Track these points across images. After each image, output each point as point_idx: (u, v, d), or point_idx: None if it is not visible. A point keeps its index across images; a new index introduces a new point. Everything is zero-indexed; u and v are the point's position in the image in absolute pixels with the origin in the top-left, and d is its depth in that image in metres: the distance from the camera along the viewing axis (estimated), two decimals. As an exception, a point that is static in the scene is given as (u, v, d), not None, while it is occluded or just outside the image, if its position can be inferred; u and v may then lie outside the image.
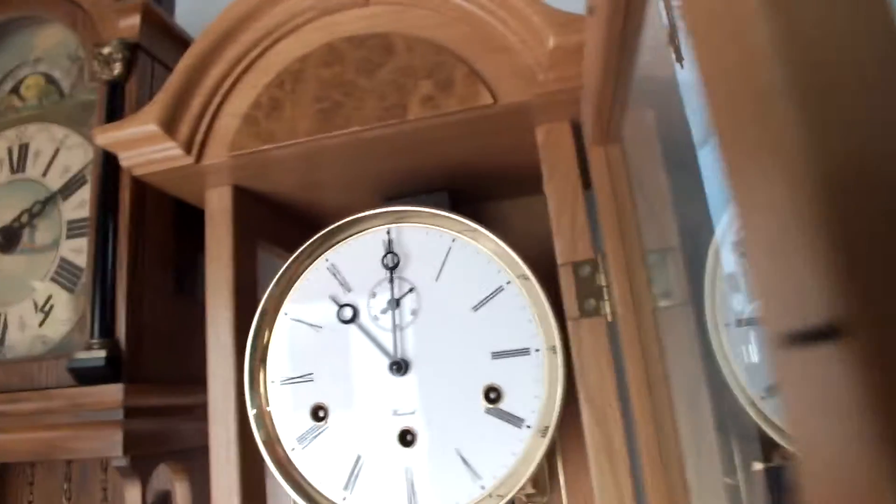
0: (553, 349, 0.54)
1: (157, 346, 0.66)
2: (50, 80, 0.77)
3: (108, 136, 0.59)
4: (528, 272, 0.55)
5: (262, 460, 0.58)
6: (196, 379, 0.69)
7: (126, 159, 0.60)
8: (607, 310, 0.53)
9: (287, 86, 0.58)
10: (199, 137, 0.59)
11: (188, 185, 0.63)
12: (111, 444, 0.60)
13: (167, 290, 0.69)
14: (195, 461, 0.72)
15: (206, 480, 0.74)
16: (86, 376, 0.60)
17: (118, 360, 0.61)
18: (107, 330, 0.62)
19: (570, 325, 0.54)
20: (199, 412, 0.68)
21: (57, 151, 0.74)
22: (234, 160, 0.59)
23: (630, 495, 0.50)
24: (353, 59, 0.57)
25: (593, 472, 0.51)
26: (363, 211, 0.75)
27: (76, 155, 0.73)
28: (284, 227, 0.74)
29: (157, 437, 0.65)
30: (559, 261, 0.55)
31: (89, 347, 0.61)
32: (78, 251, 0.70)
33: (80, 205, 0.71)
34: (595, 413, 0.52)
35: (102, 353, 0.60)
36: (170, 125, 0.58)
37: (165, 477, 0.72)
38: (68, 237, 0.71)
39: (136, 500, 0.63)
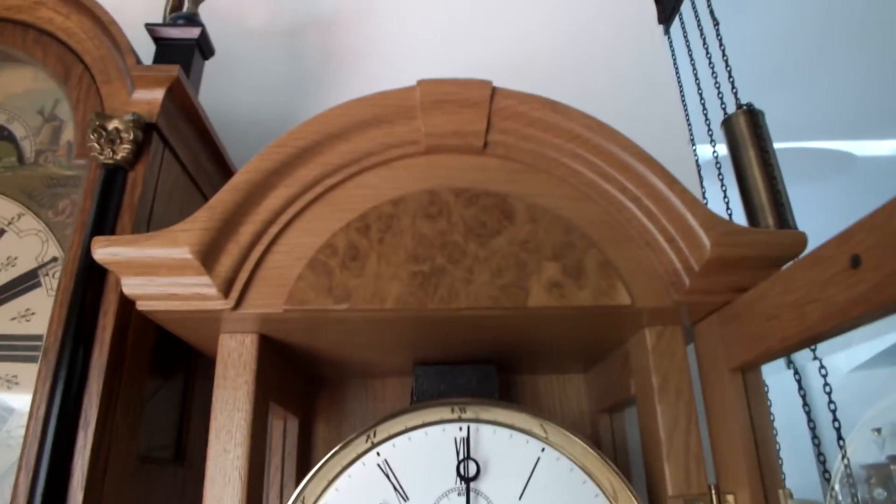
0: None
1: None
2: (6, 136, 0.58)
3: (114, 252, 0.44)
4: (636, 501, 0.46)
5: None
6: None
7: (133, 286, 0.45)
8: (723, 562, 0.45)
9: (374, 233, 0.46)
10: (242, 276, 0.45)
11: (204, 328, 0.48)
12: None
13: (134, 457, 0.51)
14: None
15: None
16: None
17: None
18: (51, 517, 0.43)
19: (682, 578, 0.45)
20: None
21: (1, 234, 0.55)
22: (287, 314, 0.45)
23: None
24: (463, 217, 0.47)
25: None
26: (391, 369, 0.63)
27: (29, 245, 0.54)
28: (293, 382, 0.60)
29: None
30: (669, 491, 0.47)
31: (20, 546, 0.42)
32: (6, 381, 0.51)
33: (21, 316, 0.52)
34: None
35: (42, 561, 0.41)
36: (208, 255, 0.44)
37: None
38: (-6, 358, 0.51)
39: None
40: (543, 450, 0.48)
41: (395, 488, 0.47)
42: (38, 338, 0.51)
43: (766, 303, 0.42)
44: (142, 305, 0.45)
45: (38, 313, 0.52)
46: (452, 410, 0.49)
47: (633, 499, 0.46)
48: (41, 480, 0.44)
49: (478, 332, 0.51)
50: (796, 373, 0.73)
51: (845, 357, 2.27)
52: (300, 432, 0.62)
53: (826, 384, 0.71)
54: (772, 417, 0.49)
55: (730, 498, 0.46)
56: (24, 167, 0.57)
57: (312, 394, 0.66)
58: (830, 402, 0.71)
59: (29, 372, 0.50)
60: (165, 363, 0.60)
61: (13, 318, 0.52)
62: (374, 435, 0.48)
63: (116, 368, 0.49)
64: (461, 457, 0.47)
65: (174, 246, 0.44)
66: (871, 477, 1.93)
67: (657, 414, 0.48)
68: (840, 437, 0.72)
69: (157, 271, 0.44)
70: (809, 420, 0.71)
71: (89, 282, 0.49)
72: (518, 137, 0.48)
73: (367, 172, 0.48)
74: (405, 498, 0.47)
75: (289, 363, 0.57)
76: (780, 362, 0.59)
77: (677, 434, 0.48)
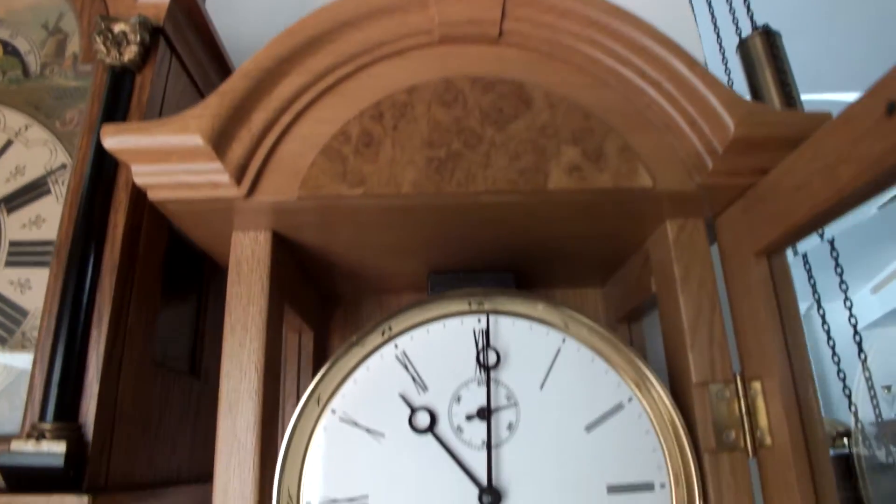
0: (683, 485, 0.44)
1: (130, 437, 0.48)
2: (10, 50, 0.57)
3: (125, 140, 0.43)
4: (660, 388, 0.46)
5: None
6: (163, 482, 0.51)
7: (143, 175, 0.44)
8: (748, 444, 0.45)
9: (388, 120, 0.45)
10: (255, 164, 0.44)
11: (216, 223, 0.47)
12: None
13: (148, 360, 0.51)
14: None
15: None
16: (28, 480, 0.41)
17: (82, 459, 0.42)
18: (68, 411, 0.43)
19: (706, 458, 0.45)
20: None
21: (8, 144, 0.54)
22: (300, 202, 0.44)
23: None
24: (479, 104, 0.46)
25: None
26: (406, 283, 0.63)
27: (37, 155, 0.54)
28: (308, 292, 0.59)
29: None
30: (693, 379, 0.46)
31: (38, 435, 0.42)
32: (19, 286, 0.50)
33: (32, 223, 0.52)
34: (738, 577, 0.42)
35: (61, 448, 0.41)
36: (220, 141, 0.43)
37: None
38: (7, 265, 0.51)
39: None
40: (564, 341, 0.47)
41: (415, 379, 0.46)
42: (49, 243, 0.51)
43: (793, 175, 0.41)
44: (153, 195, 0.44)
45: (48, 220, 0.52)
46: (470, 304, 0.48)
47: (656, 385, 0.46)
48: (56, 374, 0.44)
49: (494, 228, 0.50)
50: (815, 292, 0.72)
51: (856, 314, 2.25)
52: (315, 349, 0.62)
53: (847, 298, 0.70)
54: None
55: (756, 385, 0.45)
56: (29, 80, 0.56)
57: (327, 311, 0.65)
58: (851, 315, 0.70)
59: (41, 276, 0.50)
60: (179, 281, 0.59)
61: (24, 226, 0.52)
62: (390, 329, 0.47)
63: (129, 267, 0.49)
64: (480, 346, 0.47)
65: (185, 132, 0.43)
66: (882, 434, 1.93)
67: (680, 305, 0.48)
68: (861, 350, 0.72)
69: (169, 158, 0.43)
70: (829, 338, 0.70)
71: (99, 181, 0.49)
72: (534, 25, 0.47)
73: (380, 63, 0.47)
74: (424, 388, 0.46)
75: (303, 271, 0.57)
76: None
77: (700, 324, 0.47)
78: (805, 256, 0.69)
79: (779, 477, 0.43)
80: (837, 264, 0.66)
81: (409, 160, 0.44)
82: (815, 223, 0.40)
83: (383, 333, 0.47)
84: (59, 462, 0.41)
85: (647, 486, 0.45)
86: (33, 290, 0.50)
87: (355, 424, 0.45)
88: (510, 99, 0.46)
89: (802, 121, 0.44)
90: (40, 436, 0.42)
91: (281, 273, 0.50)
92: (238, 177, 0.44)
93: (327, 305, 0.66)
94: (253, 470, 0.43)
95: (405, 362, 0.47)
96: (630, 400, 0.46)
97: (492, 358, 0.46)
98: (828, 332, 0.74)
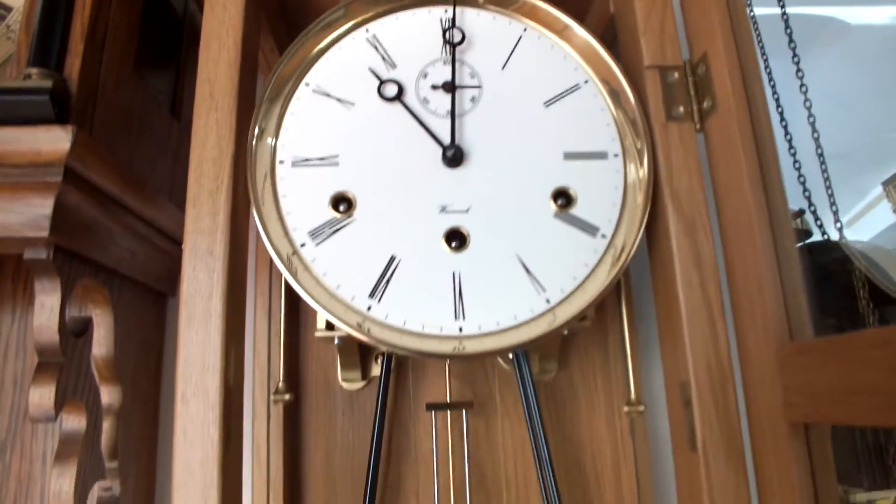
0: (634, 154, 0.47)
1: (111, 124, 0.50)
2: None
3: None
4: (616, 70, 0.49)
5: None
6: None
7: None
8: (696, 117, 0.48)
9: None
10: None
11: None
12: (34, 217, 0.42)
13: (131, 59, 0.53)
14: (122, 292, 0.55)
15: (131, 320, 0.57)
16: (15, 116, 0.43)
17: (66, 102, 0.44)
18: (53, 61, 0.45)
19: (656, 129, 0.48)
20: (132, 227, 0.53)
21: None
22: None
23: (719, 311, 0.44)
24: None
25: (681, 288, 0.44)
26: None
27: None
28: (285, 39, 0.61)
29: (90, 237, 0.48)
30: (645, 62, 0.49)
31: (25, 77, 0.44)
32: (3, -10, 0.52)
33: (15, -66, 0.53)
34: (684, 222, 0.45)
35: (47, 83, 0.43)
36: None
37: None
38: (-9, -30, 0.53)
39: (51, 313, 0.45)
40: (525, 30, 0.50)
41: (384, 58, 0.49)
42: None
43: None
44: None
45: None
46: None
47: (613, 67, 0.49)
48: (42, 24, 0.45)
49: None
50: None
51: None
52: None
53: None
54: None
55: (702, 68, 0.48)
56: None
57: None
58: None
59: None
60: (158, 43, 0.61)
61: (7, -63, 0.53)
62: (362, 13, 0.49)
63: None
64: (447, 26, 0.49)
65: None
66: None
67: (634, 4, 0.50)
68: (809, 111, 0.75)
69: None
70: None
71: None
72: None
73: None
74: (393, 65, 0.49)
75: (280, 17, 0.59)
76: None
77: (653, 17, 0.50)
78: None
79: (723, 135, 0.46)
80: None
81: None
82: None
83: (351, 17, 0.49)
84: (45, 96, 0.43)
85: (602, 155, 0.48)
86: (17, -7, 0.52)
87: (327, 95, 0.48)
88: None
89: None
90: (26, 77, 0.44)
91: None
92: None
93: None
94: (230, 126, 0.45)
95: (375, 44, 0.49)
96: (587, 82, 0.49)
97: (457, 36, 0.49)
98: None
